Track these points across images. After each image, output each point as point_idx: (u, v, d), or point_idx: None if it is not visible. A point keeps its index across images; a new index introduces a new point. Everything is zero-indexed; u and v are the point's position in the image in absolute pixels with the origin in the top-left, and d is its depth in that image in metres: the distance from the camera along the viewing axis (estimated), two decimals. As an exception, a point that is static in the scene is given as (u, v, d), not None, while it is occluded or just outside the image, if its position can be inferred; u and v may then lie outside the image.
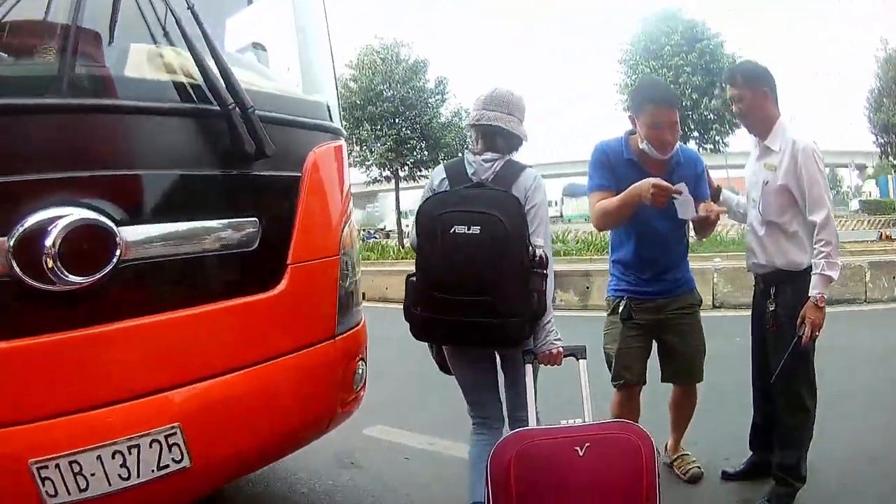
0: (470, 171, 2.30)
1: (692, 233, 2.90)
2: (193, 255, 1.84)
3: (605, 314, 2.90)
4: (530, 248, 2.14)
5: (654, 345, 2.87)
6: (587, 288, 8.93)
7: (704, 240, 3.06)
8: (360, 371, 2.46)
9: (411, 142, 24.38)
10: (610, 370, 2.80)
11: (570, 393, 2.29)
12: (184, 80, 1.83)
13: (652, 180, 2.39)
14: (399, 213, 27.63)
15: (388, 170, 25.11)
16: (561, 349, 2.21)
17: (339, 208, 2.41)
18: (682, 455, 3.06)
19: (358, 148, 24.67)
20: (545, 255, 2.17)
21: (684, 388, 2.97)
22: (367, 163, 25.13)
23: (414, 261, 2.28)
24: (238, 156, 1.89)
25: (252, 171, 1.98)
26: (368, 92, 23.64)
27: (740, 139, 21.90)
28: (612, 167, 2.66)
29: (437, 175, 2.39)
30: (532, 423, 2.12)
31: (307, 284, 2.18)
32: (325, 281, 2.26)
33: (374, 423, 3.90)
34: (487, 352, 2.36)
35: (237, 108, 1.82)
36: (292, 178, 2.14)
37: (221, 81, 1.81)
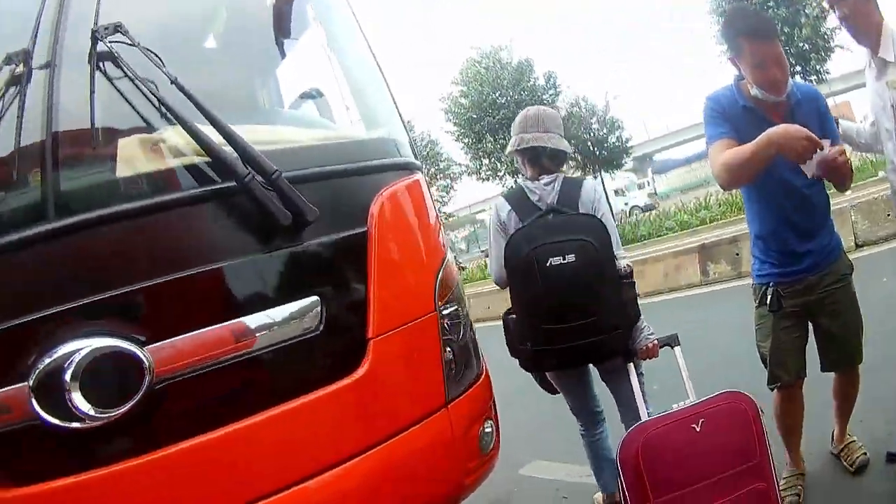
0: (534, 198, 2.39)
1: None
2: (244, 357, 1.56)
3: None
4: (617, 261, 2.30)
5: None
6: (737, 255, 8.62)
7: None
8: (488, 431, 2.11)
9: (538, 143, 23.94)
10: (765, 366, 2.50)
11: (667, 379, 2.51)
12: (188, 162, 1.59)
13: (802, 131, 2.02)
14: None
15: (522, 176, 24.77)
16: (656, 342, 2.38)
17: (429, 253, 2.06)
18: (849, 444, 2.74)
19: (487, 161, 24.64)
20: (629, 264, 2.35)
21: (847, 375, 2.60)
22: (499, 174, 24.98)
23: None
24: (273, 231, 1.61)
25: (296, 244, 1.70)
26: (482, 104, 23.58)
27: (836, 63, 21.72)
28: (729, 117, 2.31)
29: (501, 208, 2.46)
30: (643, 417, 2.25)
31: (399, 355, 1.86)
32: (424, 344, 1.92)
33: (528, 458, 3.84)
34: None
35: (256, 177, 1.55)
36: (355, 237, 1.82)
37: (230, 152, 1.56)
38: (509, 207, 2.43)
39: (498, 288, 2.56)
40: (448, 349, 1.98)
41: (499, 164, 24.44)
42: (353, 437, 1.71)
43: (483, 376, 2.14)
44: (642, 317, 2.38)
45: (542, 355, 2.32)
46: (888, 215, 7.36)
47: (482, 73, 23.69)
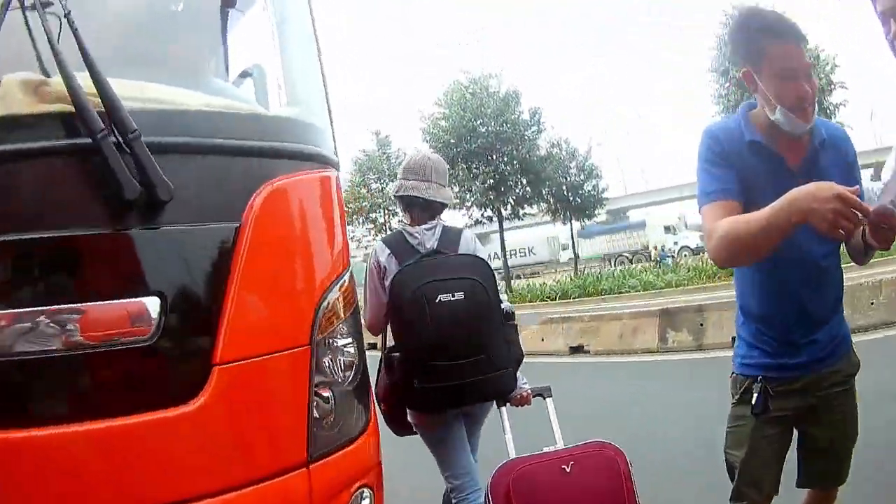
0: (414, 242, 2.43)
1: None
2: (43, 356, 1.22)
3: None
4: (502, 304, 2.40)
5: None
6: (701, 325, 8.45)
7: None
8: None
9: (511, 178, 23.76)
10: (731, 479, 1.97)
11: (537, 430, 2.52)
12: (52, 109, 1.29)
13: (835, 189, 1.40)
14: (505, 254, 26.75)
15: (490, 209, 24.54)
16: (530, 391, 2.51)
17: (319, 269, 1.65)
18: None
19: (456, 189, 24.44)
20: (510, 307, 2.46)
21: (827, 493, 2.05)
22: (466, 204, 24.74)
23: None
24: (117, 206, 1.29)
25: (143, 226, 1.34)
26: (461, 129, 23.40)
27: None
28: (731, 159, 1.76)
29: (381, 252, 2.46)
30: (512, 455, 2.33)
31: (252, 392, 1.45)
32: (286, 384, 1.50)
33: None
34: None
35: (113, 136, 1.27)
36: (221, 232, 1.43)
37: (94, 104, 1.28)
38: (389, 251, 2.44)
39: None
40: (326, 394, 1.57)
41: (468, 195, 24.19)
42: (169, 486, 1.33)
43: (368, 432, 1.72)
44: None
45: (430, 393, 2.28)
46: (872, 303, 7.21)
47: (467, 98, 23.56)
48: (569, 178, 26.46)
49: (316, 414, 1.53)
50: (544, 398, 2.54)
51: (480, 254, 2.49)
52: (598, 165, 27.44)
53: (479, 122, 23.50)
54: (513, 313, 2.43)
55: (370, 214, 29.77)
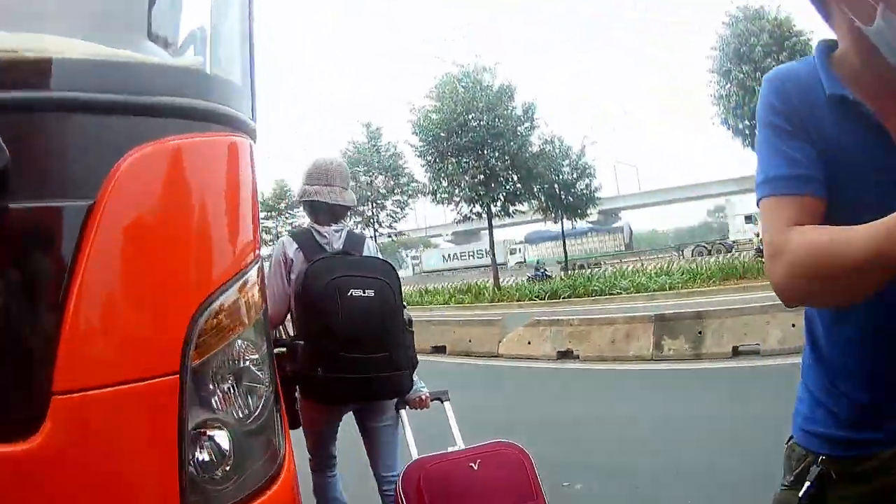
0: (322, 241, 2.58)
1: None
2: None
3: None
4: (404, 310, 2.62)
5: None
6: (699, 333, 8.07)
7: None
8: None
9: (502, 174, 23.45)
10: None
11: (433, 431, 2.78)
12: None
13: None
14: (493, 251, 26.38)
15: (479, 205, 24.20)
16: (428, 394, 2.71)
17: (200, 267, 1.23)
18: None
19: (445, 183, 24.07)
20: (410, 316, 2.62)
21: None
22: (454, 199, 24.42)
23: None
24: None
25: None
26: (451, 122, 23.06)
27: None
28: (806, 125, 1.11)
29: (289, 246, 2.58)
30: (415, 456, 2.50)
31: (105, 431, 1.07)
32: (149, 425, 1.11)
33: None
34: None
35: None
36: (66, 213, 1.06)
37: None
38: (296, 246, 2.56)
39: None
40: (217, 435, 1.17)
41: (456, 190, 23.83)
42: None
43: (282, 481, 1.32)
44: (416, 374, 2.63)
45: (335, 383, 2.38)
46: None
47: (460, 91, 23.13)
48: (561, 176, 26.16)
49: (202, 461, 1.14)
50: (442, 402, 2.75)
51: (380, 251, 2.73)
52: (592, 164, 27.17)
53: (470, 116, 23.16)
54: (412, 321, 2.59)
55: (358, 207, 29.44)
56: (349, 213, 2.77)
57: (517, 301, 20.66)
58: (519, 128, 23.67)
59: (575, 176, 26.34)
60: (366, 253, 2.62)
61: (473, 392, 6.31)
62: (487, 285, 24.78)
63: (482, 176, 23.06)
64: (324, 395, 2.46)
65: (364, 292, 2.32)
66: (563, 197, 26.31)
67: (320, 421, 2.65)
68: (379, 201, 29.66)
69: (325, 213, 2.62)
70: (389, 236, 30.95)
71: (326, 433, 2.72)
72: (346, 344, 2.33)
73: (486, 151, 23.19)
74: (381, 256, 2.71)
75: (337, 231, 2.60)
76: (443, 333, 11.00)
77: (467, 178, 23.21)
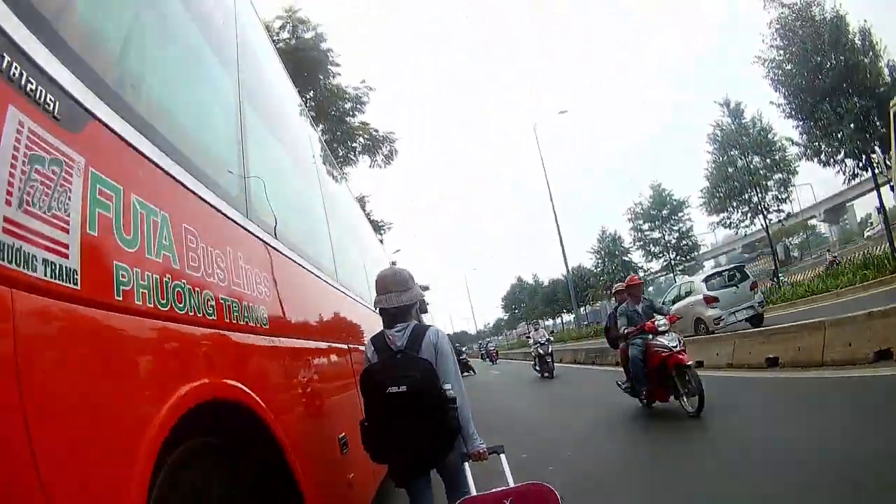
0: (389, 342, 3.25)
1: None
2: None
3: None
4: (445, 391, 3.09)
5: None
6: None
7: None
8: None
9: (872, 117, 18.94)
10: None
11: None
12: None
13: None
14: (885, 212, 21.14)
15: (859, 158, 19.93)
16: (485, 448, 3.23)
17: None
18: None
19: (824, 142, 20.55)
20: (453, 393, 3.11)
21: None
22: (837, 156, 20.53)
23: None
24: None
25: None
26: (806, 67, 20.09)
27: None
28: None
29: (368, 348, 3.37)
30: (473, 493, 3.07)
31: None
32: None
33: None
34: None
35: None
36: None
37: None
38: (374, 349, 3.30)
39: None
40: None
41: (838, 145, 19.98)
42: None
43: None
44: (475, 431, 3.24)
45: (382, 452, 3.23)
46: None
47: (798, 30, 19.94)
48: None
49: None
50: (498, 454, 3.31)
51: (441, 346, 3.26)
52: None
53: (819, 58, 19.62)
54: (454, 399, 3.11)
55: (741, 196, 27.19)
56: (413, 309, 3.39)
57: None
58: (864, 59, 18.95)
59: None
60: (424, 343, 3.20)
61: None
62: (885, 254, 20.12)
63: (853, 125, 19.03)
64: (380, 459, 3.30)
65: (399, 388, 2.97)
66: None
67: (399, 482, 3.37)
68: (762, 183, 26.60)
69: (389, 316, 3.29)
70: (779, 222, 27.23)
71: (412, 493, 3.36)
72: (384, 427, 3.11)
73: (850, 92, 19.17)
74: (438, 341, 3.26)
75: (400, 331, 3.24)
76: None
77: (844, 127, 19.29)
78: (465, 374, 23.09)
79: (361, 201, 19.31)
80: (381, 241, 18.07)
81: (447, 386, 3.13)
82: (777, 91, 21.78)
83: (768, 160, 26.41)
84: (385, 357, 3.19)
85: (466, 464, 3.25)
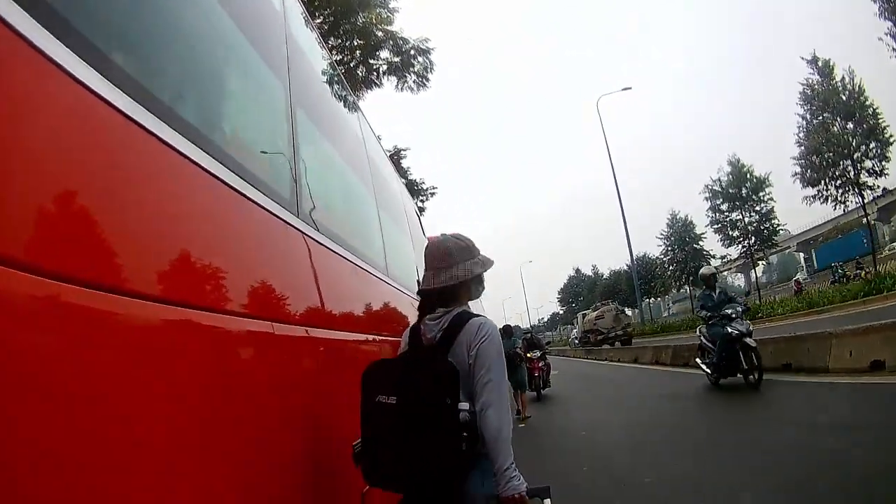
0: (423, 332, 2.63)
1: None
2: None
3: None
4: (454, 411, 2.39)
5: None
6: None
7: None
8: None
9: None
10: None
11: None
12: None
13: None
14: None
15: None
16: (524, 491, 2.40)
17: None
18: None
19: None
20: (468, 418, 2.41)
21: None
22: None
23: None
24: None
25: None
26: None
27: None
28: None
29: (404, 337, 2.77)
30: None
31: None
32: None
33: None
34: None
35: None
36: None
37: None
38: (408, 339, 2.70)
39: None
40: None
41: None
42: None
43: None
44: (513, 465, 2.43)
45: (370, 471, 2.51)
46: None
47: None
48: None
49: None
50: (542, 499, 2.62)
51: (482, 343, 2.50)
52: None
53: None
54: (467, 422, 2.43)
55: (833, 168, 25.66)
56: (462, 290, 2.68)
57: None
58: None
59: None
60: (460, 339, 2.52)
61: None
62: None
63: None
64: (364, 472, 2.57)
65: (388, 398, 2.40)
66: None
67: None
68: (857, 156, 24.78)
69: (429, 301, 2.66)
70: (874, 201, 25.40)
71: None
72: (369, 440, 2.47)
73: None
74: (485, 337, 2.52)
75: (437, 320, 2.61)
76: None
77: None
78: (543, 389, 15.46)
79: (397, 155, 18.04)
80: (422, 211, 16.31)
81: (464, 406, 2.41)
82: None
83: (863, 126, 24.76)
84: (404, 354, 2.63)
85: None
